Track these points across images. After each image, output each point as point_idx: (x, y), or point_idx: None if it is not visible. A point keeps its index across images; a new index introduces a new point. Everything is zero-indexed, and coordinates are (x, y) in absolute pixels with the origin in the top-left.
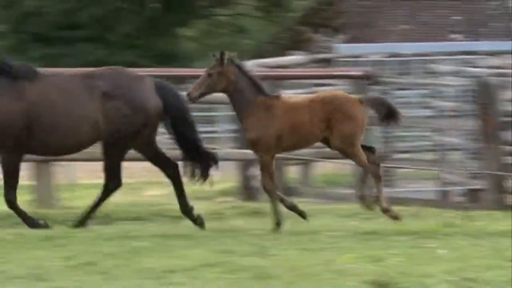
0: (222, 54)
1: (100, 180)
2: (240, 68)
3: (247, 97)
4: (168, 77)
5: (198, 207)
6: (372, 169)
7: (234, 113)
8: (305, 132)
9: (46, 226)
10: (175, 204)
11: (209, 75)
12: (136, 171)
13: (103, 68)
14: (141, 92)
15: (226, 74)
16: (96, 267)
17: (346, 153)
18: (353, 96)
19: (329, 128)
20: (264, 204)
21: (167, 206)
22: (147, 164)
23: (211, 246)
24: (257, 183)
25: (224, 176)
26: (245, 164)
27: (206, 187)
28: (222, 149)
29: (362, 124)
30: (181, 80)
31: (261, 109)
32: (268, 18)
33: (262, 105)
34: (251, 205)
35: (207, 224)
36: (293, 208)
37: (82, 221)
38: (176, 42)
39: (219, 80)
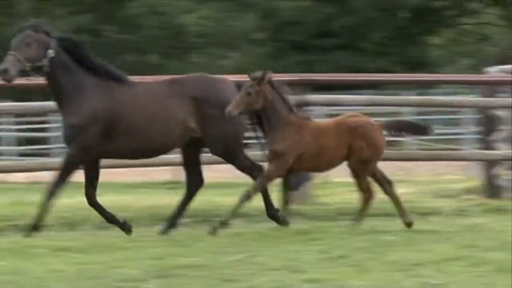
0: (264, 74)
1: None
2: (275, 87)
3: (280, 115)
4: (418, 83)
5: (444, 205)
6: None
7: (266, 128)
8: (329, 157)
9: (127, 227)
10: (422, 202)
11: (248, 93)
12: (389, 170)
13: (186, 75)
14: (226, 93)
15: (263, 93)
16: (348, 260)
17: (357, 174)
18: (375, 122)
19: (350, 153)
20: (507, 201)
21: (415, 204)
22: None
23: (456, 241)
24: (501, 181)
25: (469, 175)
26: (489, 163)
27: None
28: (466, 150)
29: (381, 151)
30: (429, 85)
31: (291, 126)
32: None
33: (292, 123)
34: (495, 202)
35: (452, 221)
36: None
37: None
38: (424, 50)
39: (257, 98)
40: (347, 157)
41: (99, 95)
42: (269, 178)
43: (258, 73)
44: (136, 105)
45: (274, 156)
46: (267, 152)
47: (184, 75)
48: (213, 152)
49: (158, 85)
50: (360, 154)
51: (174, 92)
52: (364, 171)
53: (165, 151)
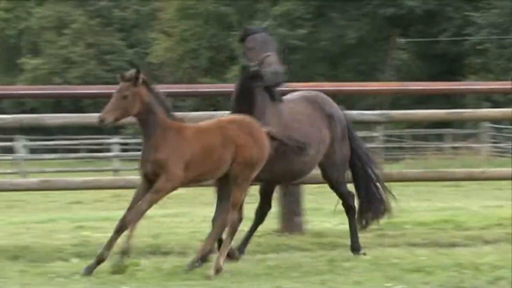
0: (137, 73)
1: None
2: (150, 88)
3: (158, 118)
4: None
5: None
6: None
7: (143, 135)
8: (217, 159)
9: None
10: None
11: (124, 97)
12: None
13: (303, 91)
14: (339, 111)
15: (140, 95)
16: None
17: (237, 182)
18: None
19: (237, 152)
20: None
21: None
22: None
23: None
24: None
25: None
26: None
27: None
28: None
29: (266, 154)
30: None
31: (172, 130)
32: None
33: (173, 127)
34: None
35: None
36: None
37: None
38: None
39: (133, 102)
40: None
41: (270, 111)
42: (160, 191)
43: (130, 73)
44: (291, 125)
45: (158, 166)
46: (145, 162)
47: (313, 91)
48: (328, 175)
49: (298, 102)
50: (248, 153)
51: (315, 111)
52: (247, 180)
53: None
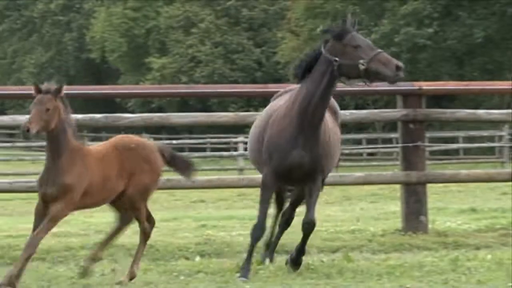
0: (60, 87)
1: None
2: (65, 104)
3: (67, 138)
4: None
5: None
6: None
7: (48, 154)
8: (111, 187)
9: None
10: None
11: (47, 109)
12: None
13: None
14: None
15: (58, 110)
16: None
17: (135, 205)
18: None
19: (131, 179)
20: None
21: None
22: None
23: None
24: None
25: None
26: None
27: None
28: None
29: (160, 175)
30: None
31: (77, 153)
32: None
33: (77, 149)
34: None
35: None
36: None
37: None
38: None
39: (53, 116)
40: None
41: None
42: (57, 219)
43: (51, 85)
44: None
45: (62, 191)
46: (49, 183)
47: None
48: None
49: None
50: (142, 183)
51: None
52: (145, 200)
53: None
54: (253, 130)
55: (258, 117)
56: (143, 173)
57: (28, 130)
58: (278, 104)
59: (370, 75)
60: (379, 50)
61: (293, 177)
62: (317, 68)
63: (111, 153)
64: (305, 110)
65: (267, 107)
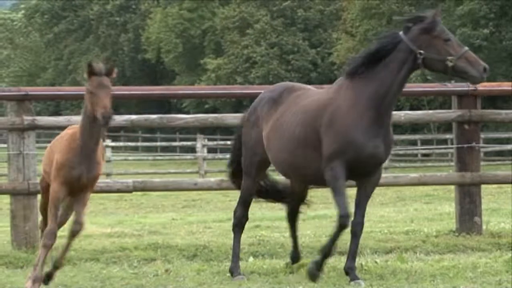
0: (113, 66)
1: None
2: None
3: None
4: None
5: None
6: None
7: None
8: None
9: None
10: None
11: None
12: None
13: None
14: None
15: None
16: None
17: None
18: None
19: None
20: None
21: None
22: None
23: None
24: None
25: None
26: None
27: None
28: None
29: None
30: None
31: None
32: None
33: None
34: None
35: None
36: None
37: None
38: None
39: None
40: None
41: None
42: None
43: (103, 65)
44: None
45: (94, 181)
46: (80, 170)
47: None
48: None
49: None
50: None
51: None
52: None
53: None
54: (280, 131)
55: (276, 118)
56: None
57: (110, 117)
58: (310, 100)
59: (456, 73)
60: (466, 47)
61: (362, 169)
62: (395, 57)
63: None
64: (382, 101)
65: (289, 107)
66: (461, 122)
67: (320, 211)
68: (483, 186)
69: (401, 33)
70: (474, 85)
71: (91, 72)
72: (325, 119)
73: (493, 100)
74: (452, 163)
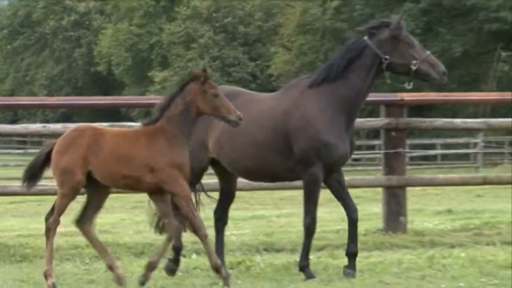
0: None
1: None
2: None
3: None
4: None
5: None
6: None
7: None
8: None
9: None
10: None
11: None
12: None
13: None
14: None
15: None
16: None
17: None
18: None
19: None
20: None
21: None
22: None
23: None
24: None
25: None
26: None
27: None
28: None
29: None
30: None
31: None
32: None
33: None
34: None
35: None
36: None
37: None
38: None
39: None
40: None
41: None
42: None
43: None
44: None
45: None
46: None
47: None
48: None
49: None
50: None
51: None
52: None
53: None
54: (237, 137)
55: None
56: None
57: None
58: (268, 105)
59: (418, 76)
60: (429, 51)
61: (334, 170)
62: (362, 62)
63: None
64: (353, 104)
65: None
66: (389, 130)
67: (258, 211)
68: (408, 188)
69: (366, 38)
70: (434, 86)
71: (207, 77)
72: (295, 124)
73: (419, 109)
74: (380, 167)
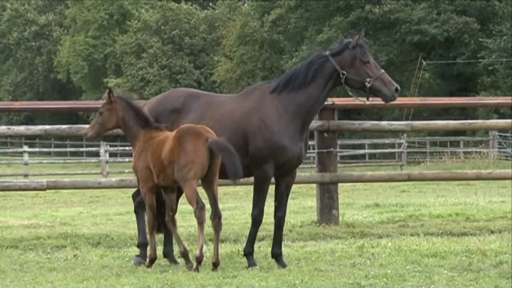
0: (109, 92)
1: None
2: (127, 103)
3: (134, 130)
4: None
5: None
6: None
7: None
8: (167, 164)
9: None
10: None
11: (100, 113)
12: None
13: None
14: None
15: (115, 111)
16: None
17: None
18: (200, 131)
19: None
20: None
21: None
22: None
23: None
24: None
25: None
26: None
27: None
28: None
29: (195, 160)
30: None
31: (142, 140)
32: None
33: (144, 136)
34: None
35: None
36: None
37: None
38: None
39: (109, 117)
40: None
41: None
42: (146, 200)
43: (105, 92)
44: None
45: (135, 174)
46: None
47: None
48: None
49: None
50: (177, 160)
51: None
52: (185, 180)
53: None
54: None
55: None
56: (177, 156)
57: (84, 135)
58: (231, 107)
59: (372, 92)
60: (383, 70)
61: (287, 169)
62: (321, 75)
63: (169, 136)
64: (308, 112)
65: (204, 113)
66: (321, 131)
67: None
68: (339, 184)
69: (328, 53)
70: (387, 103)
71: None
72: (254, 125)
73: (348, 113)
74: (314, 165)
